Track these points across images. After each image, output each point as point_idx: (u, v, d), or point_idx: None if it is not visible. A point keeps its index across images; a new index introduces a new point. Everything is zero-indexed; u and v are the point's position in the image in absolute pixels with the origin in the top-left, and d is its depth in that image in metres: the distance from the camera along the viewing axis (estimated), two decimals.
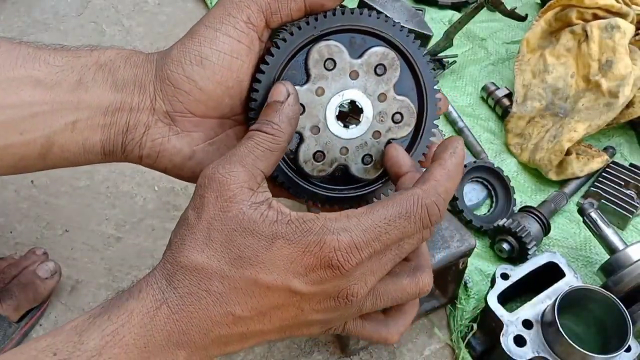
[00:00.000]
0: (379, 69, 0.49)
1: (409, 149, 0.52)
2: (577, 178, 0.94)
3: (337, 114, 0.50)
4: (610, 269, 0.76)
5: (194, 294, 0.41)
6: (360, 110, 0.50)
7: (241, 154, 0.44)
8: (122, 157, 0.51)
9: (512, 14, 1.13)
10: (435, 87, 0.51)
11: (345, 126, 0.51)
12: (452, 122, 1.05)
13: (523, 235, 0.82)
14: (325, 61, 0.48)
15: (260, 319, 0.42)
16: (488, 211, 0.94)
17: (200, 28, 0.48)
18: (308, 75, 0.49)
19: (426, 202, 0.42)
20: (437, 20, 1.25)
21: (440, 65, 1.13)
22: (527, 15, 1.14)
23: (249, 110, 0.49)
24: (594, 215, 0.80)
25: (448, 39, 1.11)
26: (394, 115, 0.51)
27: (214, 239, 0.41)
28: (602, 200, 0.90)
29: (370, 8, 0.49)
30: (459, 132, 1.03)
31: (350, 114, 0.52)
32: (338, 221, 0.41)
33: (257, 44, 0.49)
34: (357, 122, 0.51)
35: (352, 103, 0.50)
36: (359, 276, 0.42)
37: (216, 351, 0.44)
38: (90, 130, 0.49)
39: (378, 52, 0.49)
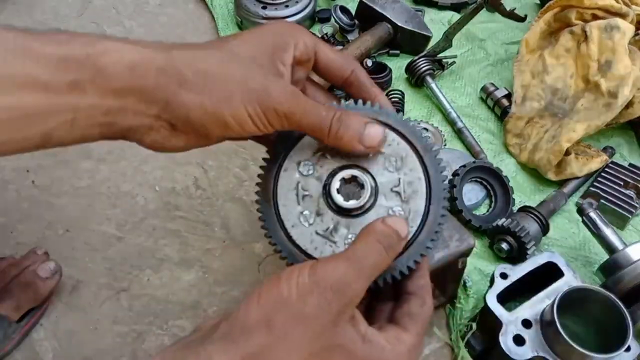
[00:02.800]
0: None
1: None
2: (576, 178, 0.94)
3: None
4: (610, 269, 0.76)
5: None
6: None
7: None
8: (120, 139, 0.52)
9: (511, 15, 1.13)
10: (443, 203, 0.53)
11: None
12: (451, 123, 1.05)
13: (522, 235, 0.82)
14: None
15: None
16: (487, 211, 0.94)
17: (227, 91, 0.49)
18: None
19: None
20: (437, 21, 1.26)
21: (440, 66, 1.13)
22: (526, 16, 1.14)
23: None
24: (593, 215, 0.81)
25: (447, 39, 1.11)
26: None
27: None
28: (602, 200, 0.90)
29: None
30: (458, 132, 1.03)
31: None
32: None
33: None
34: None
35: None
36: None
37: None
38: (89, 127, 0.49)
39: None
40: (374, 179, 0.52)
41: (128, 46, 0.48)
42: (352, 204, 0.51)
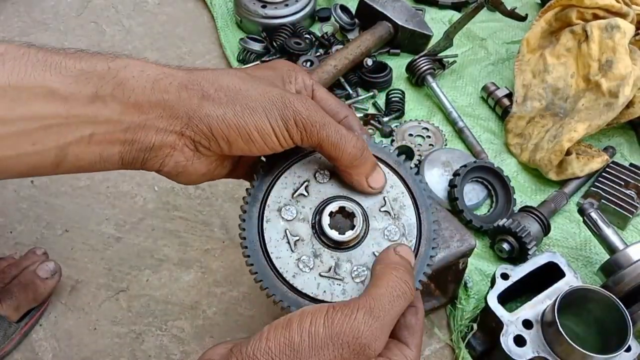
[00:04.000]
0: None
1: None
2: (577, 178, 0.94)
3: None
4: (610, 269, 0.76)
5: None
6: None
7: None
8: (140, 167, 0.51)
9: (512, 14, 1.13)
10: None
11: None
12: (452, 122, 1.05)
13: (523, 235, 0.82)
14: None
15: None
16: (488, 211, 0.94)
17: (247, 102, 0.48)
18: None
19: None
20: (437, 20, 1.26)
21: (441, 65, 1.13)
22: (527, 15, 1.14)
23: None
24: (594, 215, 0.80)
25: (448, 38, 1.11)
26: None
27: None
28: (602, 200, 0.89)
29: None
30: (459, 132, 1.03)
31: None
32: None
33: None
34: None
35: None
36: None
37: None
38: (109, 143, 0.48)
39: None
40: (359, 205, 0.52)
41: (149, 64, 0.48)
42: (349, 235, 0.50)
